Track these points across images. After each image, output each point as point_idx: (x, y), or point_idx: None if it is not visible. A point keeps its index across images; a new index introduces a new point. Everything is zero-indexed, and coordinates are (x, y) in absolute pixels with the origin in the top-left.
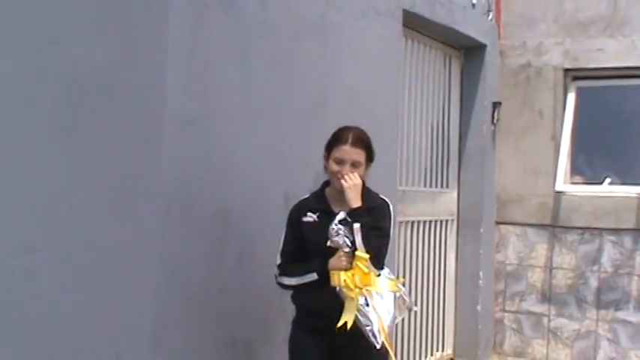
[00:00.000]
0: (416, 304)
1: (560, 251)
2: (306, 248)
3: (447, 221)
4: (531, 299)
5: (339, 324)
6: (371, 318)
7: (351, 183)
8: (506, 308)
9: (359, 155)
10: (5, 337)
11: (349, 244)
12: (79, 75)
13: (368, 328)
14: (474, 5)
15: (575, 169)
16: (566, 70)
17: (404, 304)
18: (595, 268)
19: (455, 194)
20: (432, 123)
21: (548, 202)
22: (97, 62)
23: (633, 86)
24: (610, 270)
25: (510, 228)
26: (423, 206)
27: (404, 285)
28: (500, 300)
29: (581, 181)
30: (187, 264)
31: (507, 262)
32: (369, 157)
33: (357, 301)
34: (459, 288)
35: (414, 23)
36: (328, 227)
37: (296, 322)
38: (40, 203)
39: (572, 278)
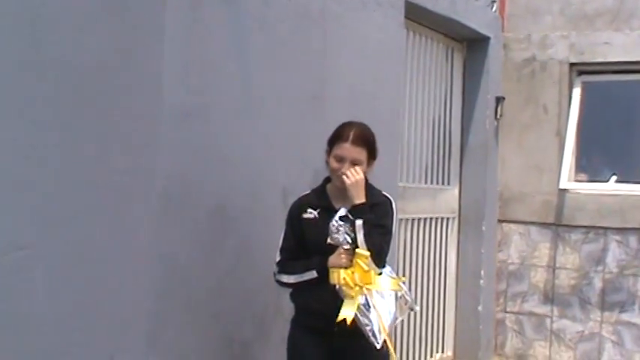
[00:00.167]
0: (417, 304)
1: (563, 251)
2: (306, 245)
3: (448, 219)
4: (534, 300)
5: (339, 319)
6: (371, 317)
7: (353, 180)
8: (508, 309)
9: (359, 154)
10: None
11: (349, 241)
12: (72, 68)
13: (368, 327)
14: None
15: (580, 167)
16: (572, 65)
17: (405, 303)
18: (599, 268)
19: (456, 191)
20: (434, 118)
21: (551, 199)
22: (92, 55)
23: None
24: (615, 270)
25: (513, 226)
26: (423, 203)
27: (405, 284)
28: (501, 300)
29: (585, 178)
30: (183, 262)
31: (509, 261)
32: (372, 155)
33: (357, 300)
34: (460, 287)
35: (416, 14)
36: (329, 224)
37: (295, 322)
38: (32, 199)
39: (575, 279)
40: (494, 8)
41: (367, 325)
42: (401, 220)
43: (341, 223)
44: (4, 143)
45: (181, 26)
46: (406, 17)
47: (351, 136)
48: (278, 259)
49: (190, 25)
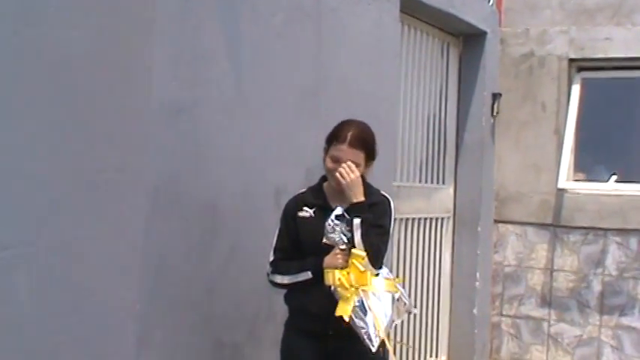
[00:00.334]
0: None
1: (561, 252)
2: (301, 245)
3: (442, 219)
4: (530, 303)
5: (337, 313)
6: (367, 320)
7: (348, 179)
8: (504, 312)
9: (356, 156)
10: None
11: (345, 241)
12: (58, 59)
13: (363, 330)
14: None
15: (579, 166)
16: (571, 60)
17: (403, 306)
18: (599, 270)
19: (451, 190)
20: (428, 115)
21: (549, 200)
22: (78, 49)
23: None
24: (614, 273)
25: (509, 227)
26: (417, 203)
27: (403, 286)
28: (497, 303)
29: (585, 178)
30: (173, 262)
31: (506, 263)
32: (370, 157)
33: (353, 301)
34: (455, 290)
35: (411, 8)
36: (324, 223)
37: (289, 324)
38: (15, 196)
39: (574, 281)
40: (491, 2)
41: (363, 328)
42: (394, 220)
43: (337, 222)
44: None
45: (172, 19)
46: (401, 11)
47: (348, 138)
48: (272, 258)
49: (181, 17)
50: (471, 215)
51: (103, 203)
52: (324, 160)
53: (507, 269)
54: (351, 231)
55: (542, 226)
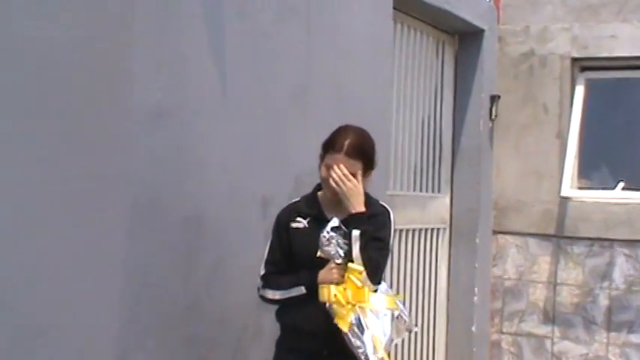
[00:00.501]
0: (416, 325)
1: (565, 265)
2: (294, 258)
3: (438, 230)
4: (532, 319)
5: (335, 322)
6: (364, 339)
7: (345, 188)
8: (504, 329)
9: (353, 167)
10: None
11: (342, 254)
12: (35, 64)
13: (360, 350)
14: None
15: (584, 172)
16: (574, 60)
17: (403, 324)
18: (605, 284)
19: (447, 199)
20: (423, 118)
21: (552, 209)
22: (54, 48)
23: None
24: (622, 287)
25: (509, 238)
26: (411, 212)
27: (403, 302)
28: (497, 320)
29: (590, 185)
30: (154, 279)
31: (506, 276)
32: (368, 166)
33: (349, 319)
34: (451, 306)
35: (404, 5)
36: (319, 235)
37: (280, 343)
38: None
39: (579, 296)
40: None
41: (359, 347)
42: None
43: (333, 234)
44: None
45: (153, 16)
46: (394, 8)
47: (344, 147)
48: (262, 272)
49: (163, 16)
50: (469, 226)
51: (79, 214)
52: (319, 168)
53: (507, 283)
54: (349, 244)
55: (544, 237)
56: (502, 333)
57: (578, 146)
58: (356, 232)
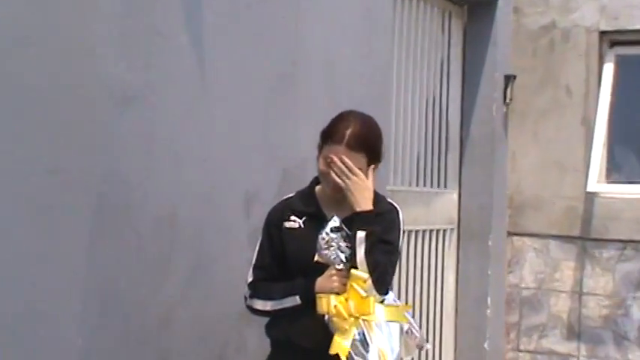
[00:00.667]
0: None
1: (592, 271)
2: (287, 263)
3: (444, 231)
4: (554, 335)
5: (331, 350)
6: (369, 357)
7: (350, 182)
8: (522, 346)
9: (356, 160)
10: None
11: (343, 259)
12: None
13: None
14: None
15: (614, 164)
16: (603, 33)
17: (413, 340)
18: (639, 294)
19: (455, 196)
20: (427, 102)
21: (577, 206)
22: (11, 27)
23: None
24: None
25: (527, 240)
26: (414, 211)
27: (412, 315)
28: (513, 335)
29: (620, 179)
30: (123, 287)
31: (523, 285)
32: (373, 159)
33: (352, 334)
34: (461, 319)
35: None
36: (317, 236)
37: None
38: None
39: (608, 307)
40: None
41: None
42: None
43: (333, 235)
44: None
45: None
46: None
47: (345, 138)
48: (250, 279)
49: None
50: (480, 226)
51: (36, 214)
52: (317, 160)
53: (525, 293)
54: (351, 247)
55: (567, 239)
56: (519, 351)
57: (606, 134)
58: (361, 234)
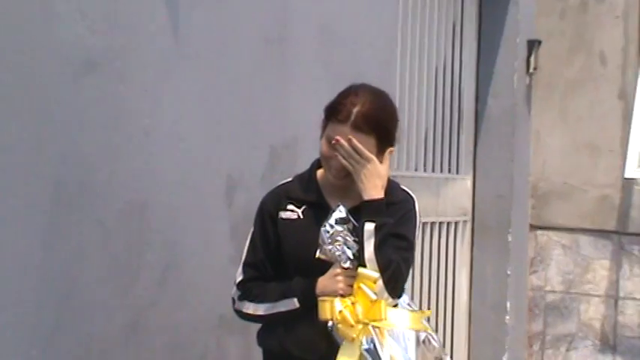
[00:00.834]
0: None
1: (630, 272)
2: (284, 260)
3: (456, 223)
4: (586, 346)
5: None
6: None
7: (360, 168)
8: (547, 359)
9: (362, 144)
10: None
11: (350, 256)
12: None
13: None
14: None
15: None
16: None
17: (431, 350)
18: None
19: (469, 182)
20: (436, 72)
21: (612, 195)
22: None
23: None
24: None
25: (553, 235)
26: (421, 200)
27: (428, 320)
28: (537, 347)
29: None
30: (83, 290)
31: (548, 288)
32: (385, 143)
33: (360, 344)
34: (475, 327)
35: None
36: (319, 229)
37: None
38: None
39: None
40: None
41: None
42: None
43: (339, 228)
44: None
45: None
46: None
47: (352, 116)
48: (240, 278)
49: None
50: (498, 218)
51: None
52: (320, 141)
53: (551, 297)
54: (360, 242)
55: (601, 233)
56: None
57: None
58: (369, 226)
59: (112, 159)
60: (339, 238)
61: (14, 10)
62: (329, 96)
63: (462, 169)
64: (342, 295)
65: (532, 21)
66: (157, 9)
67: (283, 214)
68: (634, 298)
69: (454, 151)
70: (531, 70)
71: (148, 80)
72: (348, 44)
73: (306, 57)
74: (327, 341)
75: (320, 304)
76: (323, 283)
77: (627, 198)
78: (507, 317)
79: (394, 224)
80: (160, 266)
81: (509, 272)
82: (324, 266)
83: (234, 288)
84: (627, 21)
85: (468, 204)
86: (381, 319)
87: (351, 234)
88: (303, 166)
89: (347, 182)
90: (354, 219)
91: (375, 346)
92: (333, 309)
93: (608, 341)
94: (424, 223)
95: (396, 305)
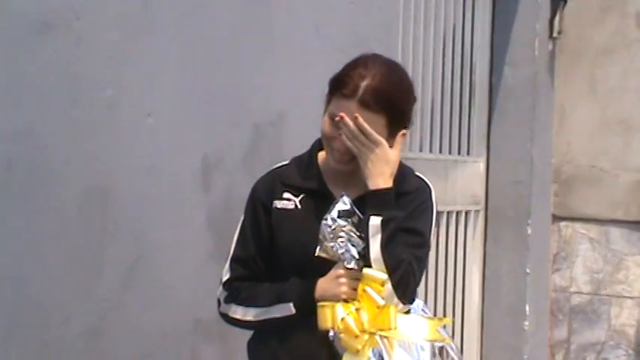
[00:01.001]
0: None
1: None
2: (278, 256)
3: (467, 213)
4: (617, 356)
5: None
6: None
7: (366, 151)
8: None
9: (371, 123)
10: None
11: (356, 255)
12: None
13: None
14: None
15: None
16: None
17: None
18: None
19: (482, 166)
20: (444, 37)
21: None
22: None
23: None
24: None
25: (580, 227)
26: None
27: (445, 328)
28: (559, 357)
29: None
30: (38, 285)
31: (574, 288)
32: (397, 124)
33: (366, 356)
34: (488, 335)
35: None
36: (319, 222)
37: None
38: None
39: None
40: None
41: None
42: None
43: (342, 222)
44: None
45: None
46: None
47: (360, 90)
48: (227, 276)
49: None
50: (515, 208)
51: None
52: (323, 117)
53: (577, 299)
54: (366, 238)
55: (635, 225)
56: None
57: None
58: (375, 220)
59: (70, 136)
60: (342, 234)
61: None
62: (320, 65)
63: (474, 151)
64: (346, 301)
65: None
66: None
67: (278, 203)
68: None
69: (464, 129)
70: (555, 35)
71: (112, 45)
72: (344, 4)
73: (294, 19)
74: (328, 353)
75: (319, 311)
76: (323, 286)
77: None
78: (526, 323)
79: (405, 218)
80: (126, 262)
81: (528, 270)
82: (325, 265)
83: (220, 287)
84: None
85: (480, 191)
86: (389, 328)
87: (357, 229)
88: (290, 146)
89: (352, 167)
90: (361, 211)
91: (382, 358)
92: (335, 316)
93: None
94: None
95: (408, 311)
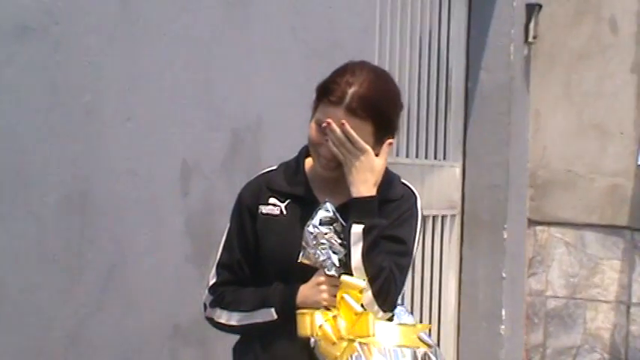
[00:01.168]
0: None
1: None
2: (263, 262)
3: (443, 217)
4: (593, 359)
5: None
6: None
7: (351, 158)
8: None
9: (357, 130)
10: None
11: (336, 262)
12: None
13: None
14: None
15: None
16: None
17: None
18: None
19: (458, 170)
20: (420, 41)
21: (624, 185)
22: None
23: None
24: None
25: (555, 232)
26: None
27: (430, 334)
28: None
29: None
30: (15, 290)
31: (549, 292)
32: (383, 131)
33: None
34: (464, 339)
35: None
36: (303, 228)
37: None
38: None
39: None
40: None
41: None
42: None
43: (324, 230)
44: None
45: None
46: None
47: (347, 97)
48: (213, 280)
49: None
50: (491, 212)
51: None
52: (310, 124)
53: (553, 303)
54: (347, 245)
55: (611, 229)
56: None
57: None
58: (357, 228)
59: (48, 141)
60: (323, 241)
61: None
62: (298, 69)
63: (450, 155)
64: (327, 308)
65: None
66: None
67: (264, 209)
68: None
69: (441, 134)
70: (530, 40)
71: (91, 49)
72: (322, 8)
73: (272, 23)
74: (309, 356)
75: (299, 318)
76: (305, 292)
77: None
78: (502, 327)
79: (389, 225)
80: (105, 267)
81: (504, 275)
82: (309, 272)
83: (206, 292)
84: None
85: (456, 195)
86: (367, 335)
87: (339, 236)
88: (269, 150)
89: (338, 174)
90: (345, 218)
91: None
92: (314, 323)
93: (619, 354)
94: None
95: (391, 318)
